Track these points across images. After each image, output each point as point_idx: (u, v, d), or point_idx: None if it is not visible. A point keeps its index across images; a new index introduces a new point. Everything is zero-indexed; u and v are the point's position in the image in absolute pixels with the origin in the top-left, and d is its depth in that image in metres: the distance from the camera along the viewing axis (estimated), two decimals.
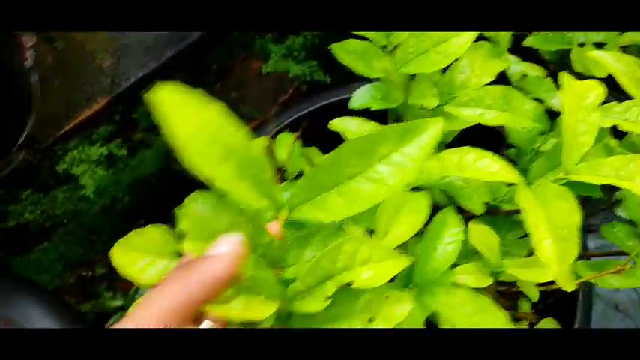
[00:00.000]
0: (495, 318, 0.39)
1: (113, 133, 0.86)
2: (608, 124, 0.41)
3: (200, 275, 0.28)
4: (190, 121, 0.27)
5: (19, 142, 0.80)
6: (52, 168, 0.83)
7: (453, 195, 0.43)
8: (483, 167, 0.38)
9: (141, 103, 0.86)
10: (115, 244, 0.41)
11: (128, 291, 1.01)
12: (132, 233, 0.41)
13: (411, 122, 0.30)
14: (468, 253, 0.48)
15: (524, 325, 0.51)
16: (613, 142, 0.44)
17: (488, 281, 0.43)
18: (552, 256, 0.36)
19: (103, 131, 0.84)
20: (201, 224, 0.30)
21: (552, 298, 0.55)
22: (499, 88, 0.41)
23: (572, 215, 0.36)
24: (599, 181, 0.38)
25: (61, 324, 0.68)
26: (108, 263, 1.10)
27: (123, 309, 0.93)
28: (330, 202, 0.30)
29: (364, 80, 0.72)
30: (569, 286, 0.36)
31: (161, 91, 0.27)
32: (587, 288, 0.57)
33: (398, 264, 0.32)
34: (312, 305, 0.32)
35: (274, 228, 0.32)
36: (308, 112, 0.63)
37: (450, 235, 0.41)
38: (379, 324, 0.32)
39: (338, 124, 0.42)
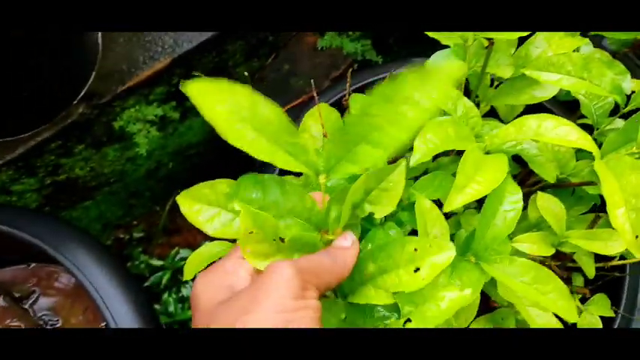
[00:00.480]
0: (555, 288, 0.39)
1: (169, 95, 0.88)
2: None
3: (340, 263, 0.33)
4: (222, 106, 0.29)
5: (79, 96, 0.82)
6: (108, 124, 0.85)
7: (527, 161, 0.44)
8: (562, 134, 0.39)
9: (198, 68, 0.87)
10: (181, 193, 0.43)
11: (163, 256, 1.03)
12: (200, 184, 0.43)
13: (430, 62, 0.29)
14: (529, 227, 0.48)
15: (577, 298, 0.51)
16: None
17: (551, 251, 0.43)
18: (624, 225, 0.37)
19: (159, 92, 0.86)
20: (250, 203, 0.33)
21: (600, 282, 0.56)
22: (580, 55, 0.42)
23: None
24: None
25: (113, 277, 0.70)
26: (145, 228, 1.13)
27: (163, 268, 0.95)
28: (362, 153, 0.31)
29: (421, 59, 0.73)
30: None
31: (193, 84, 0.28)
32: (635, 275, 0.57)
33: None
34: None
35: (318, 197, 0.35)
36: (374, 80, 0.64)
37: (510, 203, 0.41)
38: (425, 273, 0.33)
39: None
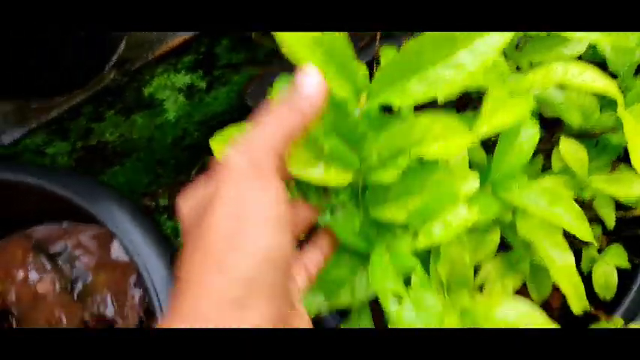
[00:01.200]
0: (570, 209, 0.41)
1: (196, 64, 0.90)
2: None
3: (296, 115, 0.31)
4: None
5: (111, 63, 0.85)
6: (139, 90, 0.88)
7: (551, 108, 0.46)
8: (588, 80, 0.40)
9: (224, 38, 0.90)
10: (214, 135, 0.45)
11: None
12: (231, 126, 0.45)
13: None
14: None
15: (593, 248, 0.53)
16: None
17: (571, 194, 0.45)
18: None
19: (187, 61, 0.89)
20: None
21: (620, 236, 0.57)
22: None
23: None
24: None
25: (147, 235, 0.72)
26: (170, 196, 1.16)
27: None
28: (410, 88, 0.33)
29: None
30: None
31: None
32: None
33: (468, 138, 0.34)
34: (385, 176, 0.35)
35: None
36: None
37: (527, 136, 0.43)
38: (452, 196, 0.35)
39: None
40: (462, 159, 0.40)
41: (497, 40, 0.32)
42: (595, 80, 0.41)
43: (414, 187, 0.36)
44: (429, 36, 0.32)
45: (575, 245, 0.56)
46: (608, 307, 0.57)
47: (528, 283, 0.51)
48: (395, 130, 0.35)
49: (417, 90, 0.33)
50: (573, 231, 0.39)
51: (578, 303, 0.46)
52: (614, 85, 0.42)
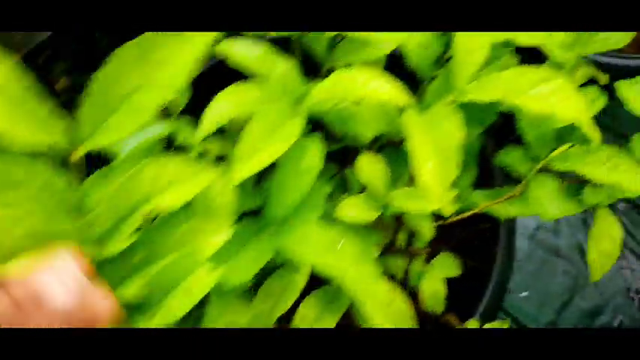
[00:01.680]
0: (350, 254, 0.36)
1: None
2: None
3: None
4: None
5: None
6: None
7: (345, 121, 0.40)
8: (375, 88, 0.35)
9: None
10: None
11: None
12: None
13: None
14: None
15: (420, 261, 0.48)
16: (512, 61, 0.43)
17: (374, 215, 0.40)
18: (432, 179, 0.33)
19: None
20: None
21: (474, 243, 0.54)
22: None
23: (454, 135, 0.34)
24: (488, 97, 0.35)
25: None
26: None
27: None
28: (116, 121, 0.27)
29: None
30: (447, 210, 0.34)
31: None
32: (508, 230, 0.56)
33: (206, 177, 0.29)
34: (114, 246, 0.28)
35: None
36: None
37: (306, 164, 0.37)
38: (196, 256, 0.29)
39: None
40: (224, 205, 0.33)
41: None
42: (380, 87, 0.36)
43: (153, 254, 0.28)
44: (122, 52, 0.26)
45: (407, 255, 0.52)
46: (466, 311, 0.54)
47: (356, 313, 0.45)
48: (118, 183, 0.28)
49: (122, 121, 0.26)
50: (356, 276, 0.34)
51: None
52: (402, 91, 0.36)
